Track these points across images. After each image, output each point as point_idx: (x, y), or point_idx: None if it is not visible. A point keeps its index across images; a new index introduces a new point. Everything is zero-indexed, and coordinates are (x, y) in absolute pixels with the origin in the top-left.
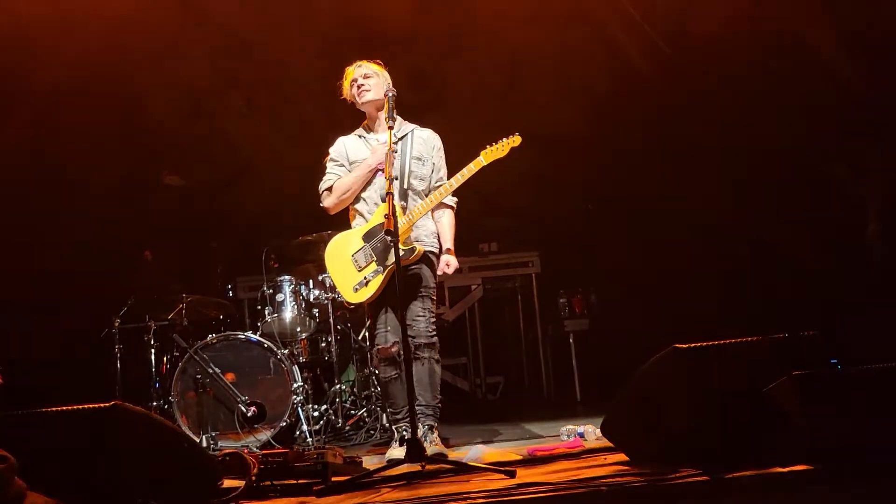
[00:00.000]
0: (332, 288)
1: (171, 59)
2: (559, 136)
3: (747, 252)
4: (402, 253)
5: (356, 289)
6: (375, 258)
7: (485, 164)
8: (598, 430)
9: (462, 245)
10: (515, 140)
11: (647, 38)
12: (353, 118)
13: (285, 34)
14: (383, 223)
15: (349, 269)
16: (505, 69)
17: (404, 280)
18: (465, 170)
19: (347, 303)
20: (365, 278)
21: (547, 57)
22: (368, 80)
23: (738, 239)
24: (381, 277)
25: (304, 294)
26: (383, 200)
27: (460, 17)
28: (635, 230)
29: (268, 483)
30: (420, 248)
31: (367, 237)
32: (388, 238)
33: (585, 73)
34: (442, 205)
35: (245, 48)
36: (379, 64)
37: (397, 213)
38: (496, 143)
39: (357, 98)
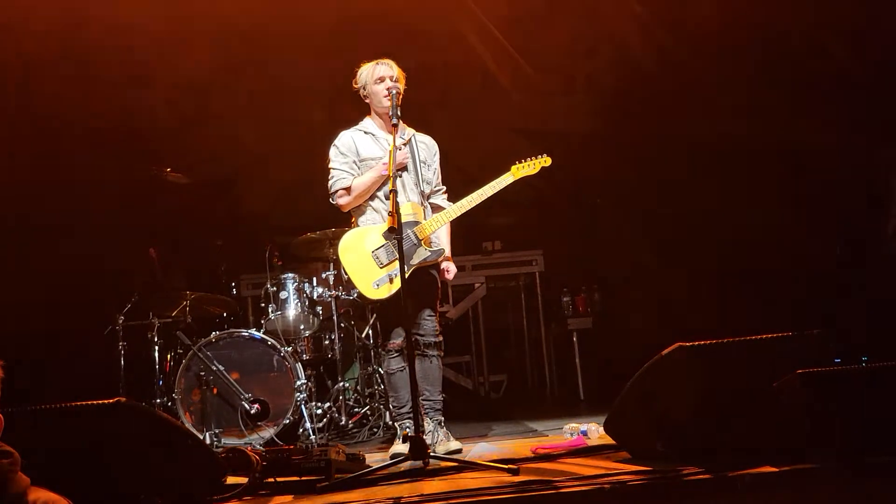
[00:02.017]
0: (336, 285)
1: (174, 56)
2: (563, 134)
3: (751, 250)
4: (429, 254)
5: (377, 285)
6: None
7: (514, 179)
8: (602, 429)
9: (466, 243)
10: (546, 160)
11: (652, 34)
12: (358, 117)
13: (289, 31)
14: (407, 221)
15: (369, 265)
16: (510, 65)
17: (422, 279)
18: (494, 182)
19: (363, 297)
20: (388, 275)
21: (552, 53)
22: (396, 84)
23: (741, 237)
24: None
25: (307, 291)
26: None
27: (462, 14)
28: (639, 229)
29: (271, 480)
30: (444, 250)
31: (389, 235)
32: (393, 236)
33: (591, 70)
34: (438, 207)
35: (249, 45)
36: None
37: (420, 214)
38: (526, 161)
39: (383, 98)
